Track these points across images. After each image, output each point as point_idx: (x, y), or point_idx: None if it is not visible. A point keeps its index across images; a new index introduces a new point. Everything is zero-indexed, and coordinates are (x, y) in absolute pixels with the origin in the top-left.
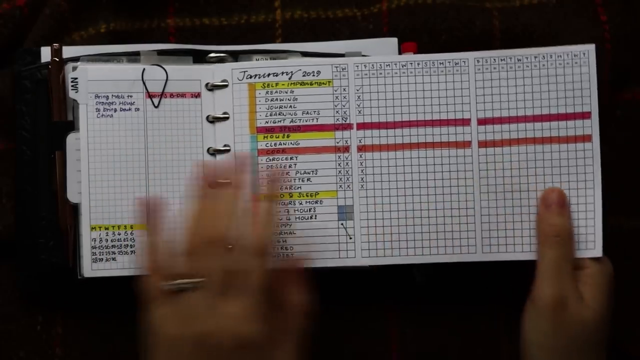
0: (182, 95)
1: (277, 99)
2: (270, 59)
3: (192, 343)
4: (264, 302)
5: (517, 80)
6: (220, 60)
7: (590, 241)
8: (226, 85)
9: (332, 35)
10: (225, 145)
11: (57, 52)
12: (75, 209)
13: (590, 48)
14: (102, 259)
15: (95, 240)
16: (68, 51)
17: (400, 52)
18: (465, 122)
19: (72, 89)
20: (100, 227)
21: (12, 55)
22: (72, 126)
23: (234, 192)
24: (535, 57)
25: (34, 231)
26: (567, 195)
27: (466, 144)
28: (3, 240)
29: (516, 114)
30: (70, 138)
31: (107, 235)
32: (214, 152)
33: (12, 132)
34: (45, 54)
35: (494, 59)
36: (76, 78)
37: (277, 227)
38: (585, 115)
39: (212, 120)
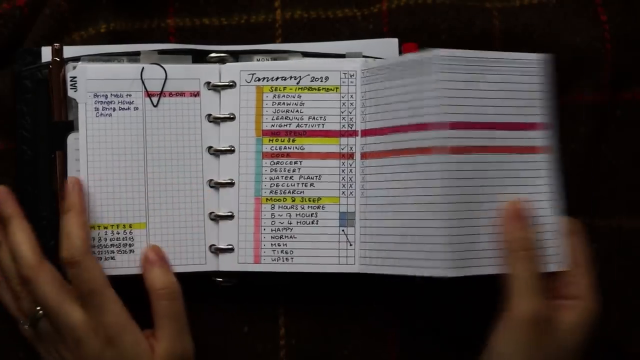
0: (181, 94)
1: (284, 103)
2: (271, 59)
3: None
4: (101, 302)
5: (480, 84)
6: (220, 60)
7: (555, 254)
8: (233, 86)
9: (332, 35)
10: (230, 146)
11: (57, 52)
12: None
13: (541, 57)
14: (101, 257)
15: (94, 239)
16: (68, 51)
17: (400, 53)
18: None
19: (71, 88)
20: (99, 226)
21: (13, 55)
22: (73, 126)
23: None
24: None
25: (34, 231)
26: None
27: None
28: None
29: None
30: (71, 138)
31: (106, 234)
32: (215, 152)
33: (12, 132)
34: (46, 53)
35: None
36: (75, 77)
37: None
38: (535, 126)
39: (213, 120)
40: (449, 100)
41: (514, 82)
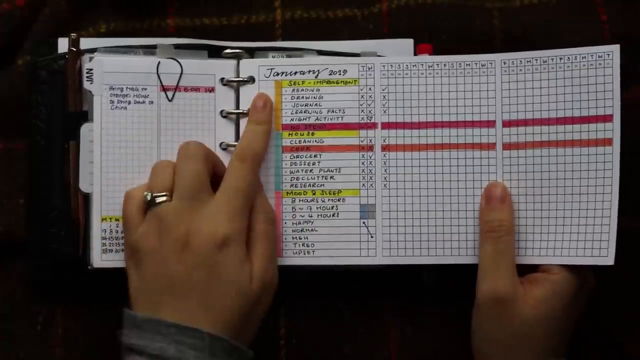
0: (196, 89)
1: (303, 97)
2: (287, 56)
3: (172, 250)
4: (242, 205)
5: (542, 82)
6: (236, 56)
7: (604, 248)
8: (252, 81)
9: (332, 35)
10: None
11: (74, 43)
12: (86, 199)
13: (615, 49)
14: (112, 249)
15: (105, 231)
16: (85, 43)
17: (415, 54)
18: (490, 124)
19: (87, 80)
20: (111, 218)
21: (12, 55)
22: (87, 117)
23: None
24: (560, 59)
25: (46, 220)
26: (508, 190)
27: (491, 146)
28: (2, 240)
29: (540, 117)
30: (84, 129)
31: (117, 226)
32: (226, 147)
33: (11, 132)
34: (62, 45)
35: (520, 61)
36: (91, 69)
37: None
38: (607, 118)
39: (226, 115)
40: (507, 100)
41: (583, 77)
